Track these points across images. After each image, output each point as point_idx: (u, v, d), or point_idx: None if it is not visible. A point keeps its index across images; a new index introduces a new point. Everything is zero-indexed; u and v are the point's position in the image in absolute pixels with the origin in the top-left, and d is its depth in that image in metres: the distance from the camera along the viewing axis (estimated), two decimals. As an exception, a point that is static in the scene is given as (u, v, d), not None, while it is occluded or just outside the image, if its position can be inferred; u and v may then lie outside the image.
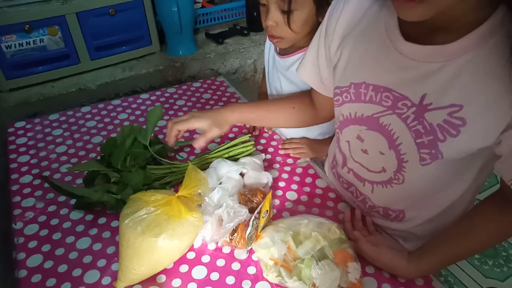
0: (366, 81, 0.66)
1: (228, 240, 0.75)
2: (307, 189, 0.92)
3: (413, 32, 0.58)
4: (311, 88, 0.87)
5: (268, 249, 0.70)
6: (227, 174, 0.86)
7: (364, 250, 0.73)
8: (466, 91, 0.55)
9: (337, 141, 0.82)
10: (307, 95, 0.91)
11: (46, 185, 0.88)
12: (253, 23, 1.86)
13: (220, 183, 0.85)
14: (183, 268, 0.74)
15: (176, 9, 1.50)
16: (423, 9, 0.48)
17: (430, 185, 0.68)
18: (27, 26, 1.30)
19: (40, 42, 1.36)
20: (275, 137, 1.09)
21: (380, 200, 0.77)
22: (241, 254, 0.76)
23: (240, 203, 0.81)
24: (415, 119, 0.61)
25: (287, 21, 0.85)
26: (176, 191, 0.75)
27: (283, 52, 1.00)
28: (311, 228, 0.72)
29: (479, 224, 0.66)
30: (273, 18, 0.86)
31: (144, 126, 0.94)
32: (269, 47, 1.07)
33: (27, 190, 0.90)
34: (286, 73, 1.00)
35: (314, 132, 1.06)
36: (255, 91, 1.85)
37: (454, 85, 0.55)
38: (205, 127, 0.83)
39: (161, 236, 0.67)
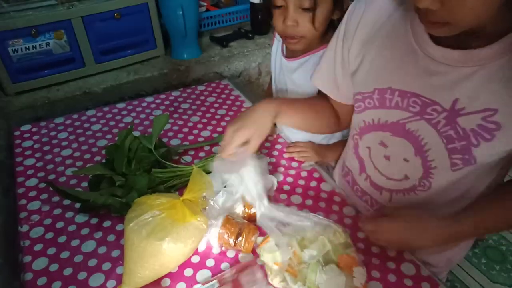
0: (392, 87, 0.65)
1: (233, 244, 0.74)
2: (312, 193, 0.91)
3: (443, 37, 0.57)
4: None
5: (273, 253, 0.70)
6: (232, 178, 0.86)
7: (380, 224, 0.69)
8: (500, 95, 0.54)
9: (354, 147, 0.80)
10: (327, 101, 0.89)
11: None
12: (258, 27, 1.87)
13: (225, 187, 0.85)
14: (188, 272, 0.74)
15: (181, 12, 1.51)
16: (448, 28, 0.50)
17: (458, 189, 0.67)
18: (34, 30, 1.31)
19: (46, 46, 1.37)
20: (279, 140, 1.09)
21: None
22: (245, 258, 0.76)
23: (245, 206, 0.80)
24: (446, 124, 0.60)
25: (311, 19, 0.84)
26: (181, 194, 0.75)
27: (289, 55, 0.99)
28: (317, 232, 0.72)
29: None
30: (294, 17, 0.85)
31: (149, 129, 0.94)
32: (276, 50, 1.07)
33: (33, 193, 0.90)
34: (292, 76, 1.00)
35: (319, 136, 1.05)
36: (260, 94, 1.85)
37: (487, 89, 0.55)
38: (247, 138, 0.71)
39: (166, 240, 0.67)
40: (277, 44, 1.05)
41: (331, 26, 0.91)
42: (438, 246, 0.70)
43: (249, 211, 0.80)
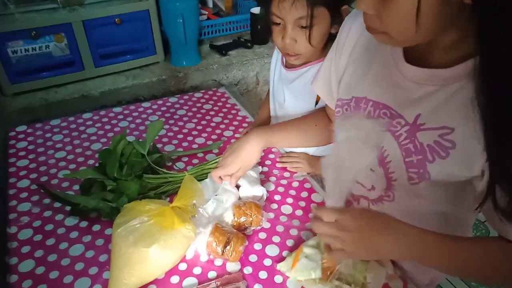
0: (367, 96, 0.68)
1: (220, 253, 0.74)
2: (303, 203, 0.92)
3: (415, 54, 0.59)
4: (326, 105, 0.88)
5: (308, 270, 0.71)
6: (223, 186, 0.86)
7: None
8: (458, 115, 0.56)
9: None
10: (323, 112, 0.92)
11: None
12: (257, 36, 1.89)
13: (216, 195, 0.85)
14: (174, 279, 0.73)
15: (181, 20, 1.52)
16: (388, 38, 0.52)
17: (424, 205, 0.67)
18: (34, 32, 1.33)
19: (46, 49, 1.38)
20: (273, 150, 1.10)
21: None
22: (232, 266, 0.76)
23: (235, 215, 0.81)
24: (407, 137, 0.61)
25: (308, 37, 0.85)
26: (172, 201, 0.75)
27: (289, 65, 1.00)
28: None
29: (494, 252, 0.59)
30: (292, 35, 0.86)
31: (144, 135, 0.95)
32: (275, 60, 1.07)
33: (24, 195, 0.90)
34: (290, 86, 1.01)
35: (312, 147, 1.06)
36: (256, 103, 1.86)
37: (446, 108, 0.56)
38: (238, 169, 0.84)
39: (153, 247, 0.67)
40: (277, 54, 1.06)
41: (330, 39, 0.92)
42: (403, 255, 0.62)
43: (238, 219, 0.80)
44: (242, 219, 0.81)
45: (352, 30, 0.72)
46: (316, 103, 0.97)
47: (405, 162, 0.62)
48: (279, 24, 0.87)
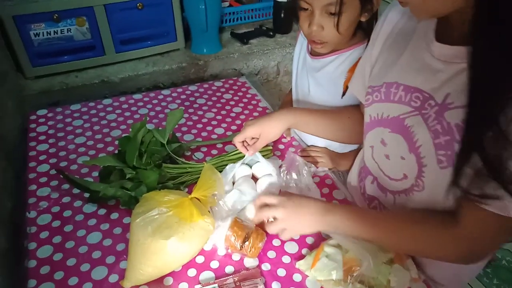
0: (398, 81, 0.68)
1: (239, 248, 0.73)
2: (324, 200, 0.89)
3: (446, 33, 0.60)
4: (360, 103, 0.86)
5: (328, 270, 0.69)
6: (241, 176, 0.84)
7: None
8: None
9: (363, 150, 0.80)
10: (358, 109, 0.89)
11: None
12: (280, 25, 1.84)
13: (233, 183, 0.84)
14: (191, 272, 0.72)
15: (203, 7, 1.49)
16: (425, 6, 0.54)
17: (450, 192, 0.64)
18: (56, 15, 1.32)
19: (68, 32, 1.38)
20: (293, 143, 1.07)
21: None
22: (250, 262, 0.74)
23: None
24: (435, 118, 0.61)
25: (336, 24, 0.82)
26: (190, 191, 0.74)
27: (315, 53, 0.96)
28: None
29: (421, 225, 0.66)
30: (319, 22, 0.83)
31: (164, 123, 0.93)
32: (300, 48, 1.03)
33: (43, 179, 0.90)
34: (316, 75, 0.97)
35: (335, 143, 1.02)
36: (276, 93, 1.83)
37: None
38: (256, 134, 0.85)
39: (171, 239, 0.66)
40: (302, 41, 1.02)
41: (359, 28, 0.88)
42: (315, 231, 0.74)
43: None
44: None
45: (388, 18, 0.72)
46: (343, 94, 0.93)
47: (434, 144, 0.61)
48: (307, 9, 0.83)
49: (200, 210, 0.71)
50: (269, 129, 0.84)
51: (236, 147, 0.88)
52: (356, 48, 0.90)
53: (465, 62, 0.54)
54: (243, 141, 0.87)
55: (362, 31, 0.89)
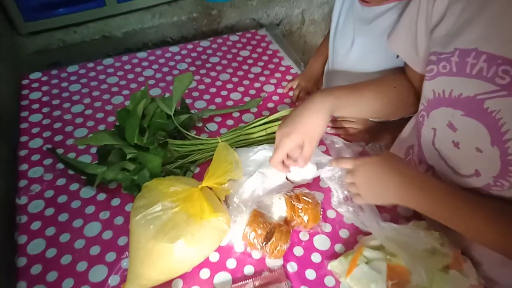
0: (478, 48, 0.50)
1: (259, 248, 0.61)
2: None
3: None
4: (405, 64, 0.68)
5: (367, 282, 0.57)
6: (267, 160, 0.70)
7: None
8: None
9: (418, 129, 0.64)
10: (403, 74, 0.71)
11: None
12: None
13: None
14: (204, 273, 0.62)
15: None
16: None
17: None
18: (47, -40, 1.14)
19: (62, -20, 1.20)
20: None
21: None
22: (273, 261, 0.63)
23: (287, 212, 0.66)
24: None
25: None
26: (203, 171, 0.61)
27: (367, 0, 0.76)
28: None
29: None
30: None
31: (171, 87, 0.78)
32: None
33: (36, 157, 0.79)
34: (366, 28, 0.78)
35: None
36: (300, 47, 1.63)
37: None
38: (299, 144, 0.64)
39: (178, 242, 0.55)
40: None
41: None
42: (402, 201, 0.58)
43: (289, 219, 0.65)
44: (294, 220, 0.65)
45: None
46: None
47: None
48: None
49: (213, 203, 0.59)
50: (312, 129, 0.62)
51: (276, 169, 0.67)
52: None
53: None
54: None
55: None
